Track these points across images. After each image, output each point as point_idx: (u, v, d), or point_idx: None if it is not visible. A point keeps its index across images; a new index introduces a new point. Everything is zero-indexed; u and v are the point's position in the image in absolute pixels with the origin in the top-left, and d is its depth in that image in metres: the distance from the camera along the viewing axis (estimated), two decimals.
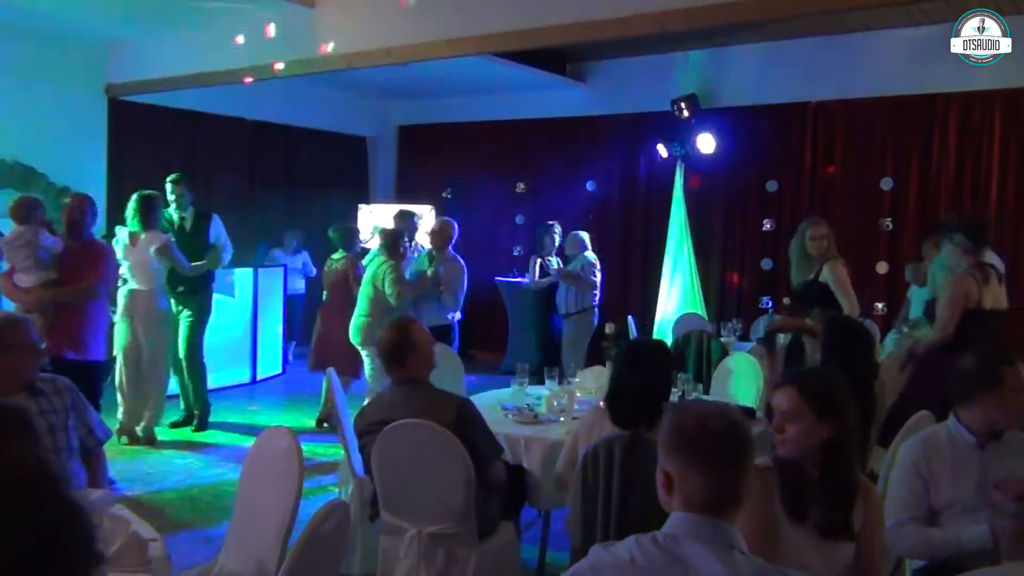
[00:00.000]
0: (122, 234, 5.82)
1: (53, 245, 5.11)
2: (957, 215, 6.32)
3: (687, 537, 1.58)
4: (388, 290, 5.81)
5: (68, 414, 2.93)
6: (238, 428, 6.50)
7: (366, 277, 6.03)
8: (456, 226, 6.33)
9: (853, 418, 2.33)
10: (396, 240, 6.02)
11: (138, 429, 5.96)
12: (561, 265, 7.78)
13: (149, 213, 5.80)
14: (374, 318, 5.78)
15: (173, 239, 5.92)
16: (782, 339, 4.78)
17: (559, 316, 7.79)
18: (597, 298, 7.55)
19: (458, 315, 6.27)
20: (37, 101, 7.37)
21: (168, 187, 6.12)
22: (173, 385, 6.36)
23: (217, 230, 6.25)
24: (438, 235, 6.28)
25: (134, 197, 5.85)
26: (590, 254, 7.58)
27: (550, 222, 8.09)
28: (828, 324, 3.89)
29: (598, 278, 7.51)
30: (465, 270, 6.24)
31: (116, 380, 5.93)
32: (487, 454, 3.20)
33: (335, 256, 6.71)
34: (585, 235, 7.67)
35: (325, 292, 6.74)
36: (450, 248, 6.24)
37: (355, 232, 7.40)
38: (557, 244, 8.00)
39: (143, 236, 5.77)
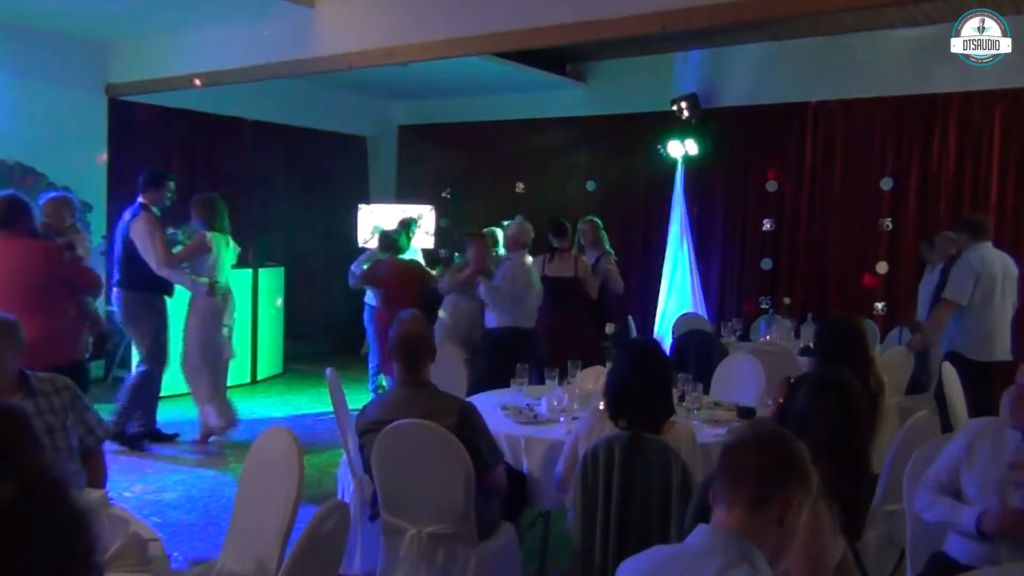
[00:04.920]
0: (214, 237, 5.85)
1: None
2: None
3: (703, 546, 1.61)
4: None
5: (67, 414, 2.89)
6: (238, 428, 6.48)
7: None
8: (531, 229, 6.09)
9: None
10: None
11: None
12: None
13: None
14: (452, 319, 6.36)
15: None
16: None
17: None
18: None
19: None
20: (37, 101, 7.36)
21: (172, 186, 6.06)
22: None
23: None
24: (517, 236, 5.99)
25: (217, 200, 5.95)
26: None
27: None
28: (821, 325, 3.89)
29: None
30: (526, 269, 5.98)
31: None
32: (488, 460, 3.18)
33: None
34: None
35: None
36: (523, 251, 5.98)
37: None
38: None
39: (228, 238, 5.99)
